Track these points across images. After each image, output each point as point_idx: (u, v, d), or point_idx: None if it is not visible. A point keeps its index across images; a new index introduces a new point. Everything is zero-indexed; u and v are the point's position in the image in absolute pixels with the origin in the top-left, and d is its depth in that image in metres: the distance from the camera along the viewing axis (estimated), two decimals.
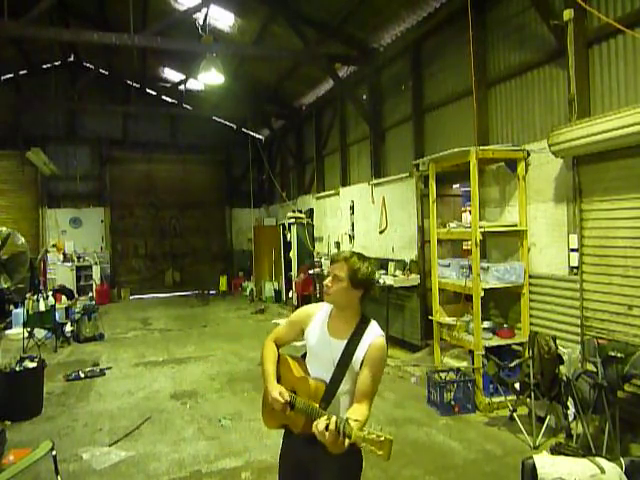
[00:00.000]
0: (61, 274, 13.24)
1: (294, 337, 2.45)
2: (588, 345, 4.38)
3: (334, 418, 1.90)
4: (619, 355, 4.02)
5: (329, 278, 2.23)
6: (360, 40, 8.76)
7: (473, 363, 5.36)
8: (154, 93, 15.46)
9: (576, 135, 4.52)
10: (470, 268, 5.43)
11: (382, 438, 1.78)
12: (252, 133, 16.03)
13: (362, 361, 2.15)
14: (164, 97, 15.48)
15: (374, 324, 2.26)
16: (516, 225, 5.55)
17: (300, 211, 12.54)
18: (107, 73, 14.75)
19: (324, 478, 2.19)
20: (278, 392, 2.19)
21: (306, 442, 2.14)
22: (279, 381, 2.31)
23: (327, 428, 1.87)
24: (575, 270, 5.00)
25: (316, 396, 2.16)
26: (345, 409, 2.16)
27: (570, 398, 4.25)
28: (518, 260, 5.58)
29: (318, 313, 2.35)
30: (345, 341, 2.19)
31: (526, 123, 5.78)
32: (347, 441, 1.84)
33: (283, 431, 2.39)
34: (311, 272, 10.51)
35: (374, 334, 2.20)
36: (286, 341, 2.47)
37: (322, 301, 2.38)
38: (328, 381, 2.18)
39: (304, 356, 2.43)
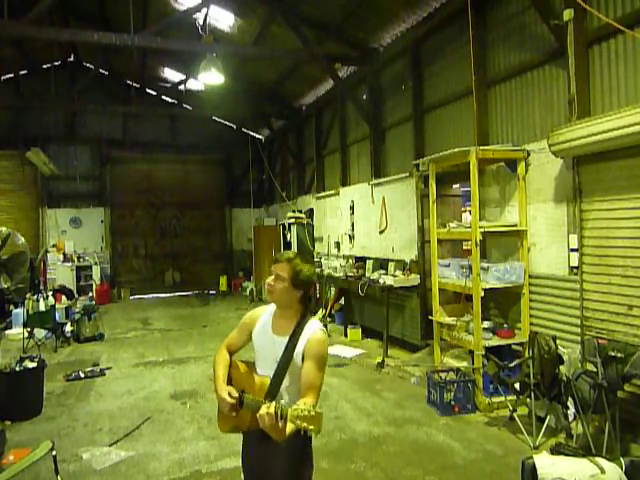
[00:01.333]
0: (61, 274, 13.25)
1: (246, 341, 2.52)
2: (588, 345, 4.38)
3: (273, 403, 2.02)
4: (619, 355, 4.02)
5: (272, 277, 2.33)
6: (360, 40, 8.76)
7: (473, 363, 5.36)
8: (154, 93, 15.46)
9: (576, 135, 4.52)
10: (470, 268, 5.43)
11: (312, 413, 1.87)
12: (252, 133, 16.04)
13: (303, 355, 2.25)
14: (164, 97, 15.48)
15: (314, 320, 2.37)
16: (516, 225, 5.55)
17: (300, 211, 12.53)
18: (107, 73, 14.76)
19: (276, 468, 2.30)
20: (226, 392, 2.28)
21: (257, 439, 2.27)
22: (231, 383, 2.40)
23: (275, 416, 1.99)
24: (575, 270, 5.00)
25: (261, 391, 2.26)
26: (292, 403, 2.13)
27: (570, 398, 4.25)
28: (518, 260, 5.58)
29: (263, 314, 2.47)
30: (287, 337, 2.30)
31: (526, 123, 5.78)
32: (283, 424, 1.96)
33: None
34: None
35: (313, 328, 2.30)
36: (238, 346, 2.54)
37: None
38: (271, 376, 2.28)
39: None
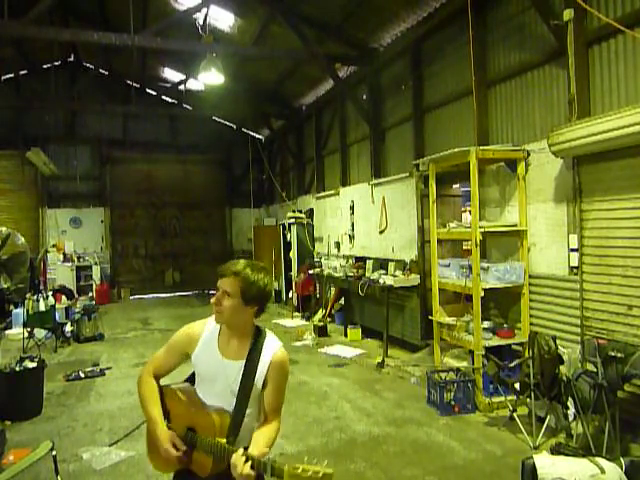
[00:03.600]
0: (61, 274, 13.24)
1: (177, 364, 2.14)
2: (588, 345, 4.38)
3: (256, 460, 1.75)
4: (619, 355, 4.02)
5: (217, 294, 1.97)
6: (360, 40, 8.76)
7: (473, 363, 5.36)
8: (154, 93, 15.47)
9: (576, 135, 4.52)
10: (470, 268, 5.43)
11: (320, 474, 1.63)
12: (252, 133, 16.04)
13: (265, 378, 1.98)
14: (164, 97, 15.49)
15: (270, 335, 2.08)
16: (516, 225, 5.55)
17: (300, 211, 12.54)
18: (107, 73, 14.77)
19: None
20: (170, 443, 1.93)
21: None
22: (168, 418, 2.04)
23: (252, 467, 1.74)
24: (575, 270, 5.00)
25: (222, 431, 1.92)
26: (251, 430, 2.00)
27: (570, 398, 4.25)
28: (518, 260, 5.58)
29: (204, 334, 2.07)
30: (242, 361, 1.98)
31: (526, 123, 5.78)
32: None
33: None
34: (311, 272, 10.51)
35: (273, 347, 2.02)
36: (167, 370, 2.14)
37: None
38: (232, 410, 1.96)
39: (191, 380, 2.17)
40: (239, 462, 1.75)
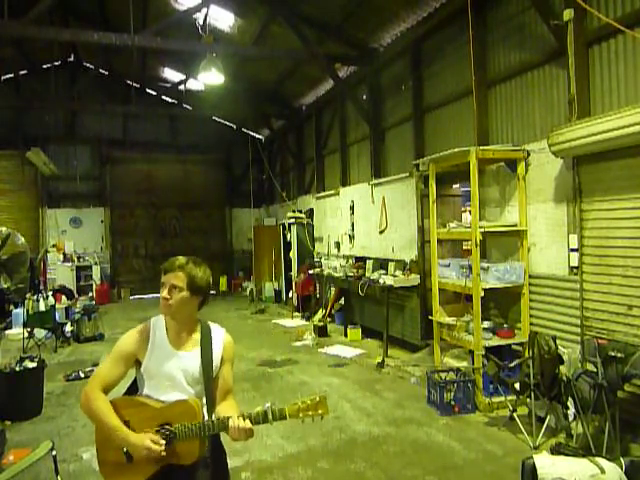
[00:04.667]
0: (61, 274, 13.25)
1: (124, 374, 2.14)
2: (588, 345, 4.38)
3: (253, 414, 1.98)
4: (619, 355, 4.02)
5: (165, 290, 2.09)
6: (360, 40, 8.76)
7: (473, 363, 5.36)
8: (154, 93, 15.47)
9: (576, 135, 4.52)
10: (470, 268, 5.42)
11: (317, 398, 1.93)
12: (252, 133, 16.04)
13: (221, 359, 2.19)
14: (164, 97, 15.49)
15: (213, 325, 2.26)
16: (516, 225, 5.55)
17: (300, 211, 12.54)
18: (107, 73, 14.77)
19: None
20: (150, 440, 1.96)
21: (184, 471, 2.05)
22: (128, 427, 2.03)
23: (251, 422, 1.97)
24: (575, 270, 5.00)
25: (199, 412, 2.05)
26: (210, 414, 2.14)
27: (570, 398, 4.25)
28: (518, 260, 5.57)
29: (150, 336, 2.14)
30: (197, 349, 2.14)
31: (526, 123, 5.78)
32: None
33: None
34: (311, 272, 10.51)
35: (220, 333, 2.24)
36: (115, 383, 2.11)
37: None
38: (204, 392, 2.11)
39: (129, 392, 2.22)
40: (238, 422, 1.94)
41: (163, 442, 1.98)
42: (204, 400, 2.13)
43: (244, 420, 1.96)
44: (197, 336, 2.18)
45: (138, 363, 2.15)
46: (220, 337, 2.22)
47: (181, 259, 2.18)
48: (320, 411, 1.93)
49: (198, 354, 2.14)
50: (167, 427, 2.02)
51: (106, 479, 2.12)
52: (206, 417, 2.10)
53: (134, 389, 2.23)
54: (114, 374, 2.10)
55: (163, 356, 2.11)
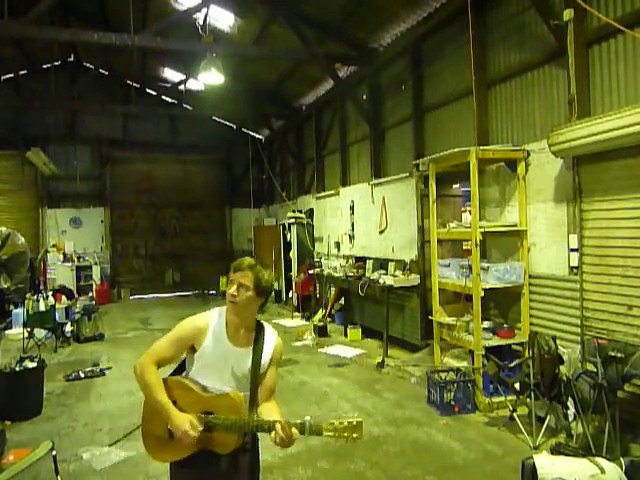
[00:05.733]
0: (61, 274, 13.24)
1: (178, 356, 2.24)
2: (588, 345, 4.38)
3: (298, 425, 2.00)
4: (619, 355, 4.02)
5: (234, 287, 2.15)
6: (360, 40, 8.76)
7: (473, 363, 5.36)
8: (154, 93, 15.46)
9: (576, 135, 4.52)
10: (470, 268, 5.43)
11: (354, 422, 1.94)
12: (252, 133, 16.04)
13: (269, 361, 2.26)
14: (164, 97, 15.48)
15: (268, 325, 2.34)
16: (516, 225, 5.55)
17: (300, 211, 12.54)
18: (107, 73, 14.76)
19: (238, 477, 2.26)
20: (189, 424, 2.05)
21: (219, 457, 2.16)
22: (176, 407, 2.13)
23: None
24: (575, 270, 5.00)
25: (243, 407, 2.14)
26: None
27: (570, 398, 4.25)
28: (518, 260, 5.57)
29: (209, 326, 2.21)
30: (250, 348, 2.22)
31: (526, 123, 5.78)
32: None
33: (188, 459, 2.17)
34: (311, 272, 10.51)
35: (273, 336, 2.31)
36: (168, 362, 2.22)
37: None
38: (250, 389, 2.19)
39: (177, 372, 2.32)
40: (286, 429, 1.97)
41: (200, 428, 2.07)
42: (248, 396, 2.20)
43: (290, 429, 1.99)
44: (252, 335, 2.25)
45: (192, 348, 2.21)
46: (272, 339, 2.29)
47: (250, 260, 2.22)
48: (355, 435, 1.94)
49: (250, 352, 2.22)
50: (208, 416, 2.10)
51: (148, 451, 2.23)
52: (246, 413, 2.17)
53: (179, 370, 2.32)
54: (169, 354, 2.18)
55: (219, 348, 2.19)
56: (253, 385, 2.20)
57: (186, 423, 2.05)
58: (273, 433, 2.00)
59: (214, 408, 2.12)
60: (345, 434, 1.94)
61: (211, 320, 2.23)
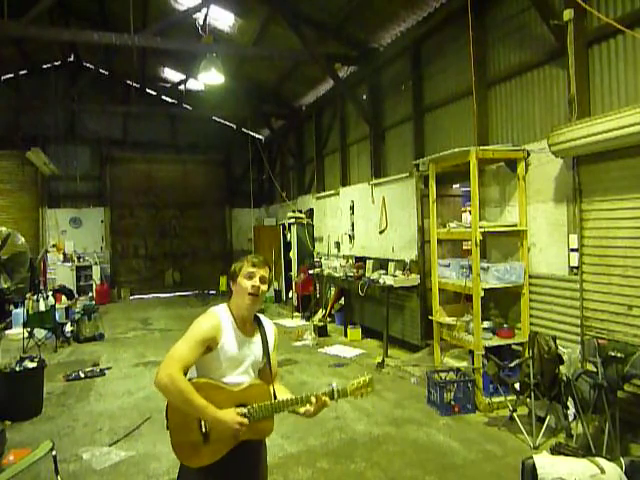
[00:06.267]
0: (61, 274, 13.25)
1: (199, 358, 2.19)
2: (588, 345, 4.38)
3: (328, 392, 2.26)
4: (619, 355, 4.02)
5: (257, 279, 2.27)
6: (360, 40, 8.76)
7: (473, 363, 5.36)
8: (154, 93, 15.47)
9: (576, 135, 4.52)
10: (470, 268, 5.43)
11: (367, 380, 2.29)
12: (252, 133, 16.03)
13: (274, 345, 2.42)
14: (164, 97, 15.49)
15: (260, 315, 2.46)
16: (516, 225, 5.55)
17: (300, 211, 12.53)
18: (107, 73, 14.76)
19: (263, 465, 2.41)
20: (238, 416, 2.12)
21: (247, 448, 2.24)
22: None
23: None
24: (575, 270, 5.00)
25: (270, 392, 2.29)
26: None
27: (570, 398, 4.25)
28: (518, 260, 5.58)
29: (223, 321, 2.25)
30: (258, 336, 2.35)
31: (526, 123, 5.78)
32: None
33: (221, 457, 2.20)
34: (311, 272, 10.51)
35: (270, 322, 2.47)
36: (191, 366, 2.18)
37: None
38: (270, 375, 2.35)
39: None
40: (320, 399, 2.23)
41: (247, 420, 2.15)
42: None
43: (323, 398, 2.24)
44: (255, 325, 2.37)
45: (207, 349, 2.20)
46: (271, 326, 2.45)
47: (261, 256, 2.42)
48: (369, 389, 2.30)
49: (259, 340, 2.34)
50: (244, 408, 2.16)
51: (183, 460, 2.21)
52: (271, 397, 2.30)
53: None
54: (192, 358, 2.15)
55: (238, 342, 2.26)
56: (270, 369, 2.35)
57: (235, 417, 2.11)
58: (306, 406, 2.22)
59: (246, 399, 2.20)
60: (362, 390, 2.28)
61: (221, 317, 2.27)
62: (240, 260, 2.39)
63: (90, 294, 13.46)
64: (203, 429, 2.14)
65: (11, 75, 13.68)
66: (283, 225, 12.83)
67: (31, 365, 5.58)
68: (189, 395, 2.06)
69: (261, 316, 2.44)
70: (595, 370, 4.19)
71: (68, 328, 9.13)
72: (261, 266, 2.31)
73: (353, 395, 2.28)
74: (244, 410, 2.15)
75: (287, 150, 14.43)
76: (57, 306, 9.07)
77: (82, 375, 6.86)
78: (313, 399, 2.21)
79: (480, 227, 5.30)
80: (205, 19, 9.26)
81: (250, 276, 2.28)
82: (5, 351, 7.75)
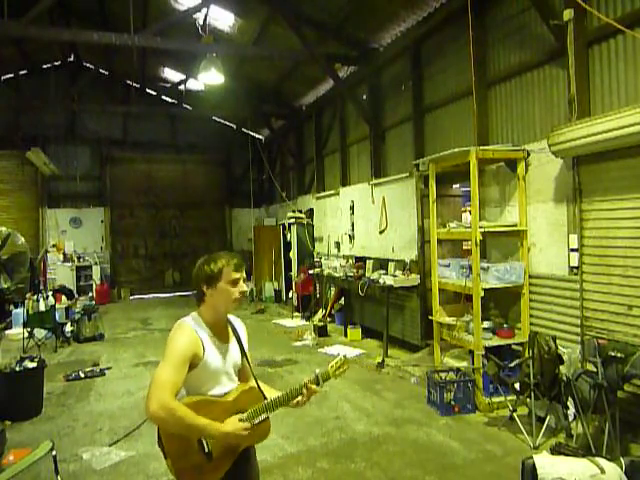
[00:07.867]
0: (61, 274, 13.26)
1: (185, 377, 2.08)
2: (588, 345, 4.38)
3: (313, 379, 2.27)
4: (619, 355, 4.02)
5: (244, 285, 2.23)
6: (360, 40, 8.76)
7: (473, 363, 5.36)
8: (154, 93, 15.47)
9: (576, 135, 4.52)
10: (470, 268, 5.42)
11: (342, 359, 2.35)
12: (252, 133, 16.04)
13: (246, 345, 2.39)
14: (164, 97, 15.49)
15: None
16: (516, 225, 5.55)
17: (300, 211, 12.54)
18: (107, 73, 14.76)
19: (253, 458, 2.41)
20: (239, 423, 2.09)
21: (245, 453, 2.26)
22: None
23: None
24: (575, 270, 5.00)
25: (259, 393, 2.28)
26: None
27: (570, 398, 4.25)
28: (518, 260, 5.57)
29: (200, 334, 2.14)
30: (233, 338, 2.30)
31: (526, 123, 5.78)
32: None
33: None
34: (311, 272, 10.51)
35: (237, 320, 2.42)
36: (180, 387, 2.05)
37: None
38: (251, 371, 2.36)
39: None
40: (311, 388, 2.24)
41: (250, 424, 2.14)
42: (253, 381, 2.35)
43: (312, 386, 2.25)
44: (228, 327, 2.32)
45: (192, 366, 2.09)
46: (240, 325, 2.41)
47: (236, 255, 2.35)
48: (346, 366, 2.35)
49: (235, 343, 2.31)
50: (245, 413, 2.16)
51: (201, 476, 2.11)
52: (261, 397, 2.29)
53: None
54: (180, 379, 2.03)
55: (218, 351, 2.19)
56: (250, 367, 2.35)
57: (238, 424, 2.09)
58: (298, 398, 2.23)
59: (242, 406, 2.18)
60: (341, 369, 2.34)
61: (196, 330, 2.14)
62: (212, 259, 2.22)
63: (90, 294, 13.47)
64: (206, 449, 2.08)
65: (11, 75, 13.69)
66: (283, 225, 12.83)
67: (31, 365, 5.58)
68: (190, 420, 1.96)
69: (230, 316, 2.35)
70: (595, 370, 4.19)
71: (68, 328, 9.13)
72: (242, 268, 2.22)
73: (334, 376, 2.32)
74: (244, 416, 2.14)
75: (287, 150, 14.43)
76: (57, 306, 9.08)
77: (82, 375, 6.86)
78: (304, 390, 2.23)
79: (480, 227, 5.30)
80: (205, 19, 9.26)
81: (235, 282, 2.18)
82: (5, 351, 7.75)
